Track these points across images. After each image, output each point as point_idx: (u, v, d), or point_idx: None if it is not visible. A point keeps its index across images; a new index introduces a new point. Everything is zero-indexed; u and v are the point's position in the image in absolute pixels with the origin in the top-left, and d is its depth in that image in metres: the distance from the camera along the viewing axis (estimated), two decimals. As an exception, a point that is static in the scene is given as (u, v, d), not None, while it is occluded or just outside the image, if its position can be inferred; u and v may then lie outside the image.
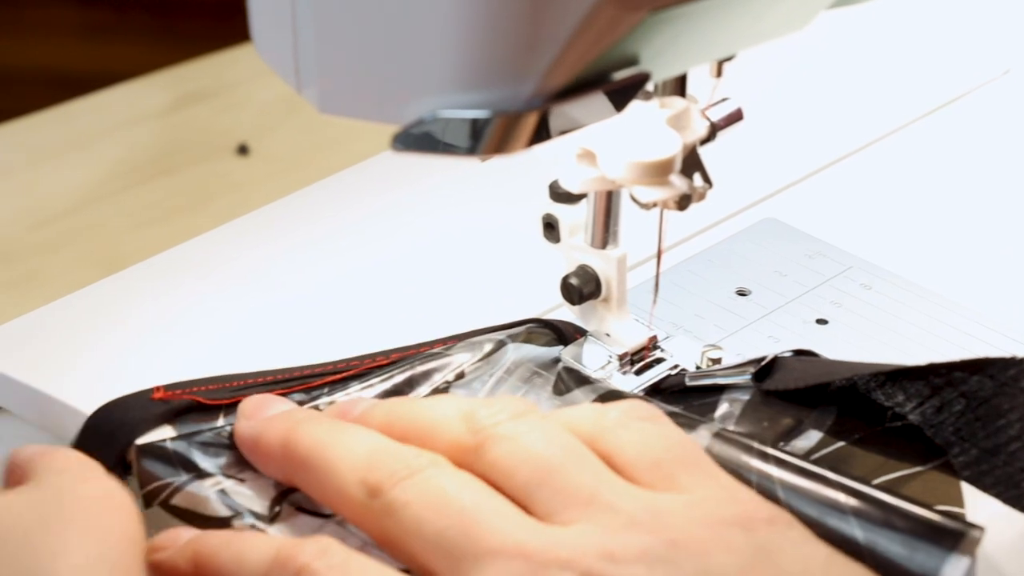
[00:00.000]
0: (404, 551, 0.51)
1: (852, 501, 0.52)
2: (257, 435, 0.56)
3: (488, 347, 0.63)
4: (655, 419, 0.54)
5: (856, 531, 0.52)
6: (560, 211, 0.62)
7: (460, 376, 0.62)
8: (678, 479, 0.51)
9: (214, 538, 0.52)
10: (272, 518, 0.55)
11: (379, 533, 0.51)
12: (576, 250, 0.63)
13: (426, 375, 0.62)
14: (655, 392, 0.63)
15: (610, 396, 0.60)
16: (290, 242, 0.74)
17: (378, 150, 0.81)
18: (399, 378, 0.61)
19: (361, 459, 0.52)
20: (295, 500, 0.56)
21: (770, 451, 0.54)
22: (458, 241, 0.75)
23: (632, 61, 0.50)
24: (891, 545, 0.51)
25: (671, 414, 0.57)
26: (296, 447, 0.54)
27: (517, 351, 0.63)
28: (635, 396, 0.61)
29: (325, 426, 0.55)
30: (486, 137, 0.49)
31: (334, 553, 0.49)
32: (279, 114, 1.15)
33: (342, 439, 0.53)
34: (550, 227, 0.63)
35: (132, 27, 1.95)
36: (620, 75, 0.50)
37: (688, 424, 0.56)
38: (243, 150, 1.11)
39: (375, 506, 0.51)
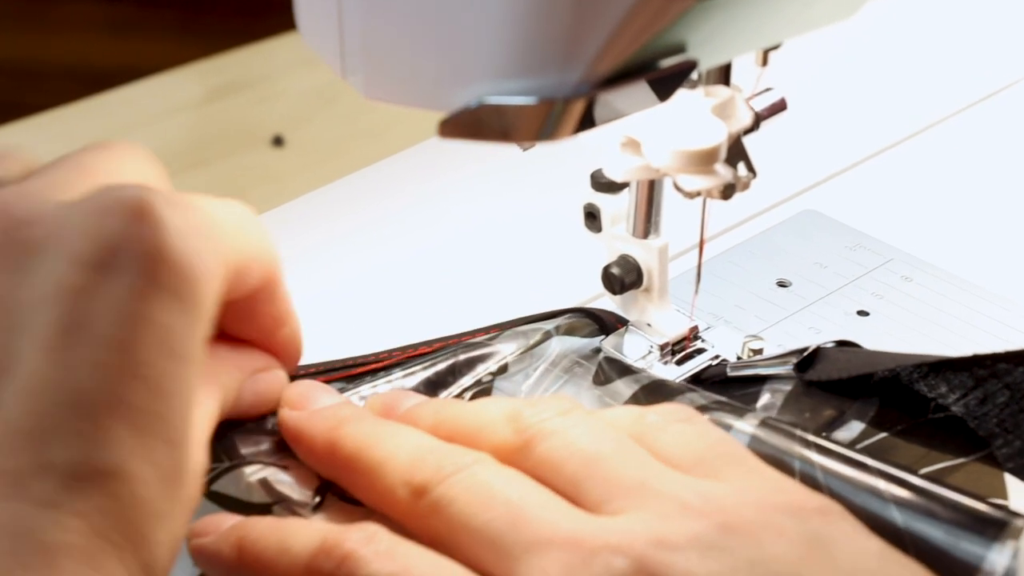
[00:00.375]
0: (452, 549, 0.50)
1: (894, 489, 0.52)
2: (301, 430, 0.55)
3: (534, 338, 0.63)
4: (694, 420, 0.53)
5: (898, 519, 0.51)
6: (602, 200, 0.62)
7: (503, 369, 0.62)
8: (723, 473, 0.51)
9: (258, 524, 0.51)
10: (315, 506, 0.55)
11: (427, 533, 0.51)
12: (617, 240, 0.63)
13: (469, 364, 0.61)
14: (696, 382, 0.62)
15: (652, 386, 0.60)
16: (328, 233, 0.74)
17: (413, 140, 0.81)
18: (441, 366, 0.61)
19: (406, 459, 0.52)
20: (338, 488, 0.56)
21: (812, 438, 0.54)
22: (498, 230, 0.74)
23: (679, 49, 0.50)
24: (934, 533, 0.51)
25: (717, 403, 0.57)
26: (341, 447, 0.54)
27: (561, 343, 0.63)
28: (679, 384, 0.61)
29: (369, 426, 0.54)
30: (532, 124, 0.49)
31: (380, 539, 0.49)
32: (313, 105, 1.14)
33: (387, 440, 0.53)
34: (591, 216, 0.63)
35: (156, 23, 1.96)
36: (667, 63, 0.50)
37: (735, 412, 0.56)
38: (278, 141, 1.11)
39: (422, 505, 0.51)
